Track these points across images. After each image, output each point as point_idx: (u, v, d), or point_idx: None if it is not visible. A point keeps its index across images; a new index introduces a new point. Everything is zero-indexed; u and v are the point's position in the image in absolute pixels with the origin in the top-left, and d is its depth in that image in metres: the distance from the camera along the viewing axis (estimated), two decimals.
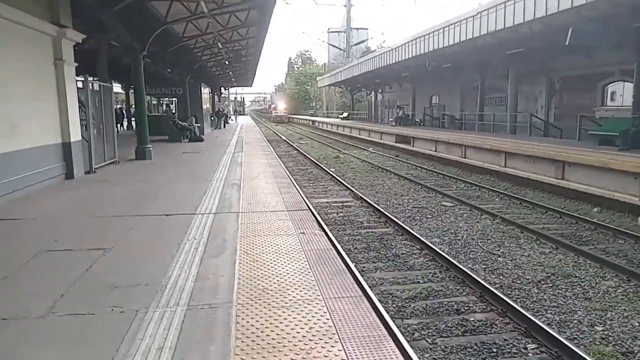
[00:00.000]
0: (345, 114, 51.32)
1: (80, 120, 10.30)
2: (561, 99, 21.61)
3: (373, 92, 49.00)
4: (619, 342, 4.64)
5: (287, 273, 4.24)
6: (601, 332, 4.82)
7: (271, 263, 4.51)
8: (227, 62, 26.91)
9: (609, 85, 19.15)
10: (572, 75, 20.41)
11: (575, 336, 4.74)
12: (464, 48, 20.56)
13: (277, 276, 4.16)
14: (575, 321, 5.05)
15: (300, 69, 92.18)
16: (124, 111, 33.08)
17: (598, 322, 5.03)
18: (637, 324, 4.99)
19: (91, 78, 11.50)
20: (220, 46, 19.49)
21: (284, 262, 4.53)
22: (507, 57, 21.00)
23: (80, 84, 10.42)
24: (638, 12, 13.04)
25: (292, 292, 3.83)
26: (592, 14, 13.49)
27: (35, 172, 8.43)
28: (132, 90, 25.06)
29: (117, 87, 30.49)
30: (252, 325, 3.26)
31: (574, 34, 14.67)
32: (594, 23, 14.12)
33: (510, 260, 6.97)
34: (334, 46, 71.29)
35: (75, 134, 9.94)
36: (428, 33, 23.02)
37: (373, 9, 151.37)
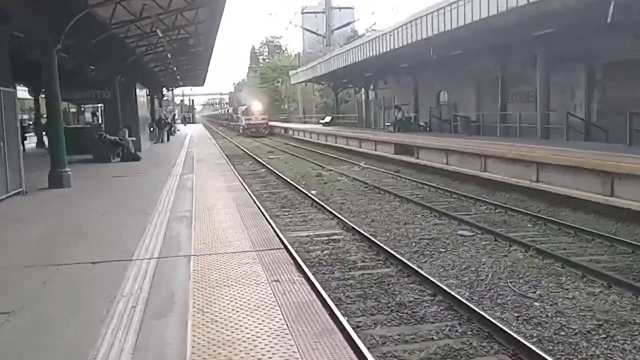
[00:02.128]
0: (327, 119, 51.74)
1: None
2: (605, 91, 22.11)
3: (363, 89, 49.53)
4: None
5: (258, 336, 4.20)
6: None
7: (236, 324, 4.46)
8: (169, 55, 26.98)
9: None
10: (617, 61, 20.89)
11: None
12: (478, 30, 20.99)
13: (244, 341, 4.11)
14: None
15: (268, 61, 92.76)
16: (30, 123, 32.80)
17: None
18: None
19: None
20: (161, 34, 19.57)
21: (254, 322, 4.49)
22: (534, 40, 21.47)
23: None
24: None
25: None
26: None
27: None
28: (44, 96, 24.83)
29: (23, 92, 30.19)
30: None
31: (617, 8, 15.08)
32: None
33: (550, 305, 7.02)
34: (309, 31, 72.09)
35: None
36: (430, 12, 23.48)
37: None
